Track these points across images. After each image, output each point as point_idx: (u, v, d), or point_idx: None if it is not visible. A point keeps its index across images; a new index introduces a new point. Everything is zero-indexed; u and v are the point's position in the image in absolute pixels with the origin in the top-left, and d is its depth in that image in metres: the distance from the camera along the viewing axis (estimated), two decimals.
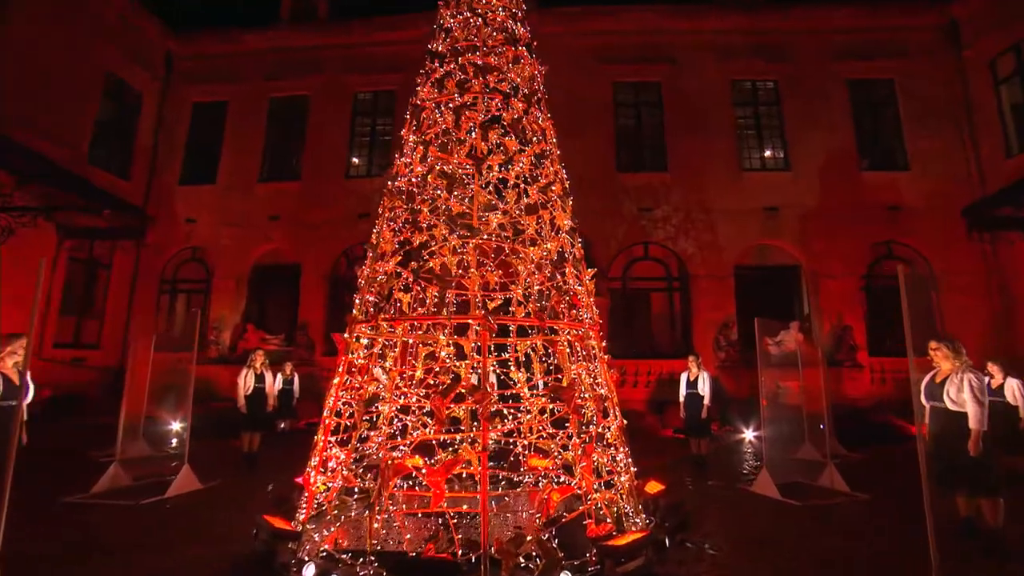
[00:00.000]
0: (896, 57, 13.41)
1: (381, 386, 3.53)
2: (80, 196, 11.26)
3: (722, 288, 12.85)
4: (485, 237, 4.05)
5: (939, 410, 3.34)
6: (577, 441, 3.43)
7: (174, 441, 9.28)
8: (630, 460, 4.08)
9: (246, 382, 6.71)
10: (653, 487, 4.51)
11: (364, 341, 3.65)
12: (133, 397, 6.85)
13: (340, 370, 3.71)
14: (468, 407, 3.61)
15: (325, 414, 3.65)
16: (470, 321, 3.49)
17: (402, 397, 3.58)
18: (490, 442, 5.00)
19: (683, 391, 7.21)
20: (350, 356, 3.69)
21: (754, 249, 13.21)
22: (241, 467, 6.55)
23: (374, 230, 4.13)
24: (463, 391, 3.23)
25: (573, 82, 13.83)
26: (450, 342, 4.61)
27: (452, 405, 3.54)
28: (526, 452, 4.15)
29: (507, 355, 4.58)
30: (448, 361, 4.19)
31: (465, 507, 3.48)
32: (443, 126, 4.09)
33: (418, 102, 4.37)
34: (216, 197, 14.21)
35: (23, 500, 4.84)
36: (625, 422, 4.31)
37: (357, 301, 3.87)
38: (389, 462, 3.14)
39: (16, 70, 11.15)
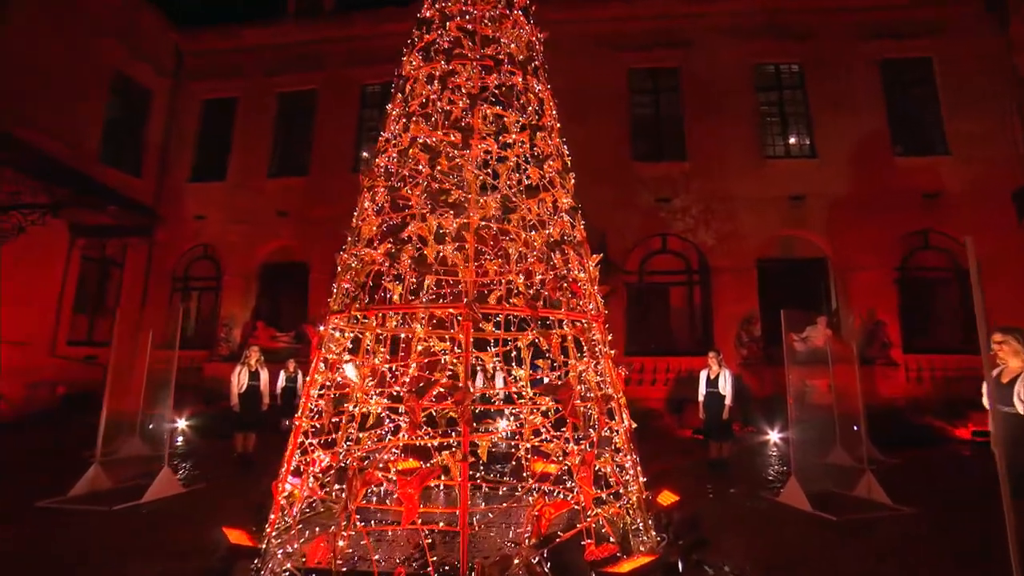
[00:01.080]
0: (933, 35, 12.54)
1: (353, 384, 3.15)
2: (87, 194, 11.20)
3: (744, 281, 12.21)
4: (473, 216, 3.66)
5: (1009, 415, 2.79)
6: (576, 447, 3.00)
7: (179, 439, 9.16)
8: (639, 468, 3.62)
9: (240, 380, 6.44)
10: (666, 498, 4.04)
11: (337, 334, 3.27)
12: (128, 395, 6.66)
13: (312, 367, 3.35)
14: (448, 408, 3.20)
15: (297, 415, 3.28)
16: (451, 311, 3.09)
17: (373, 397, 3.19)
18: (492, 444, 4.61)
19: (702, 390, 6.70)
20: (322, 351, 3.32)
21: (778, 240, 12.52)
22: (234, 469, 6.28)
23: (354, 212, 3.76)
24: (443, 390, 2.82)
25: (584, 70, 13.34)
26: (447, 337, 4.24)
27: (430, 405, 3.14)
28: (528, 456, 3.73)
29: (508, 350, 4.19)
30: (441, 356, 3.80)
31: (442, 525, 3.08)
32: (427, 96, 3.69)
33: (403, 73, 3.98)
34: (225, 194, 14.11)
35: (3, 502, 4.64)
36: (635, 425, 3.86)
37: (335, 290, 3.50)
38: (357, 471, 2.76)
39: (21, 68, 11.15)
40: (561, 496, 2.96)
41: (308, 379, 3.33)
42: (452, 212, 3.24)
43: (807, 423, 6.08)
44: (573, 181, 4.12)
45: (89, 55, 12.64)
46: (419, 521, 2.60)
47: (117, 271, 13.70)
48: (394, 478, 2.78)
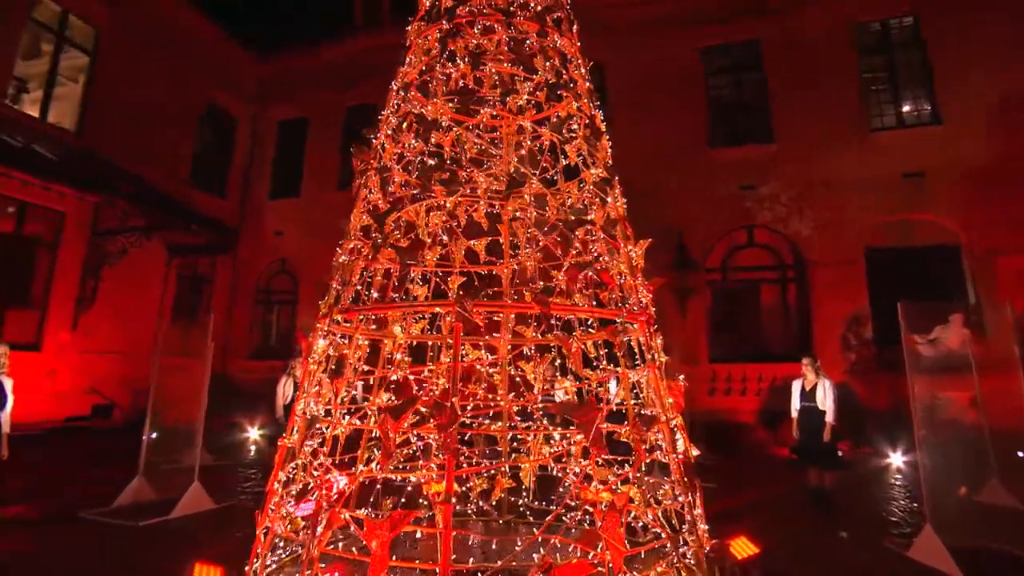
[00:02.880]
0: None
1: (330, 399, 2.65)
2: (175, 216, 12.10)
3: (850, 276, 10.46)
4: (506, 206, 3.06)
5: None
6: (600, 487, 2.28)
7: (252, 449, 9.42)
8: (701, 510, 2.78)
9: (285, 391, 6.31)
10: (743, 548, 3.13)
11: (322, 342, 2.81)
12: (190, 404, 6.81)
13: (301, 379, 2.92)
14: (432, 432, 2.59)
15: (283, 436, 2.86)
16: (438, 309, 2.50)
17: (347, 416, 2.67)
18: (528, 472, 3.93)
19: (796, 403, 5.53)
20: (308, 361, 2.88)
21: (892, 226, 10.60)
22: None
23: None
24: (423, 410, 2.23)
25: (651, 57, 12.36)
26: (481, 345, 3.67)
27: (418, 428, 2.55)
28: (577, 482, 3.04)
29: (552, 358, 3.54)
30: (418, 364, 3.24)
31: None
32: (427, 63, 3.17)
33: (406, 42, 3.50)
34: (300, 209, 14.74)
35: (58, 512, 4.74)
36: (696, 452, 3.02)
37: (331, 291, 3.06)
38: (324, 508, 2.25)
39: (124, 103, 12.33)
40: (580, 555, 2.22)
41: (298, 393, 2.90)
42: (451, 191, 2.66)
43: (941, 446, 4.73)
44: (610, 150, 3.37)
45: (182, 88, 13.79)
46: None
47: (208, 287, 14.76)
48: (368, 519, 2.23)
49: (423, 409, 2.24)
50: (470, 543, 3.28)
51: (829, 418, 5.21)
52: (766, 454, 8.67)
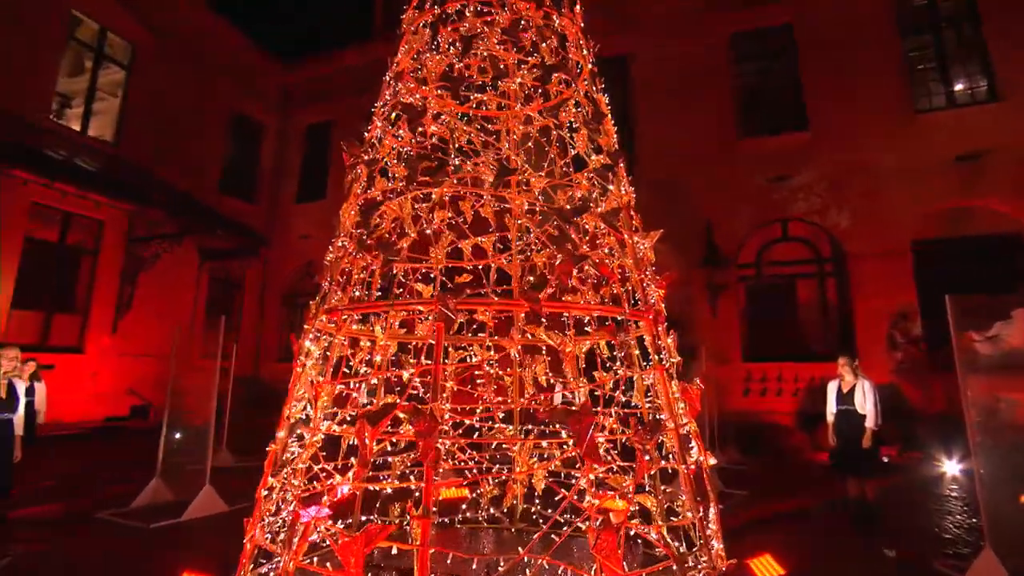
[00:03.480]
0: None
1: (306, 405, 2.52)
2: (203, 221, 12.42)
3: (895, 269, 9.78)
4: (514, 199, 2.88)
5: None
6: (596, 504, 2.06)
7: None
8: (717, 525, 2.52)
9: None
10: (766, 569, 2.83)
11: (308, 343, 2.68)
12: (201, 406, 6.90)
13: (291, 382, 2.81)
14: (413, 440, 2.42)
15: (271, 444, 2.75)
16: (420, 308, 2.33)
17: (326, 422, 2.52)
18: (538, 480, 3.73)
19: (832, 406, 5.11)
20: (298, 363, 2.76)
21: (942, 215, 9.87)
22: None
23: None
24: (401, 415, 2.07)
25: (676, 47, 11.95)
26: (489, 345, 3.50)
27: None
28: (588, 491, 2.83)
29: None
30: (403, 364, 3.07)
31: None
32: (418, 49, 3.01)
33: (400, 31, 3.35)
34: (325, 212, 14.92)
35: (79, 511, 4.83)
36: (713, 461, 2.75)
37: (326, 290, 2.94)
38: (300, 520, 2.11)
39: (156, 114, 12.76)
40: None
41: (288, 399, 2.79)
42: (437, 182, 2.49)
43: (1003, 453, 4.26)
44: (616, 137, 3.13)
45: (211, 97, 14.20)
46: None
47: (239, 291, 15.14)
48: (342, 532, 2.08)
49: (401, 415, 2.07)
50: (473, 565, 3.09)
51: (869, 422, 4.78)
52: (803, 459, 8.17)
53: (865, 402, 4.79)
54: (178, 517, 4.52)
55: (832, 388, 5.17)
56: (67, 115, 12.60)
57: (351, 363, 2.65)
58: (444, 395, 3.44)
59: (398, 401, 2.08)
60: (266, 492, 2.58)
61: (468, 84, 2.77)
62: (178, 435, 6.72)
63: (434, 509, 4.22)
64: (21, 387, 3.71)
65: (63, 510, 4.80)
